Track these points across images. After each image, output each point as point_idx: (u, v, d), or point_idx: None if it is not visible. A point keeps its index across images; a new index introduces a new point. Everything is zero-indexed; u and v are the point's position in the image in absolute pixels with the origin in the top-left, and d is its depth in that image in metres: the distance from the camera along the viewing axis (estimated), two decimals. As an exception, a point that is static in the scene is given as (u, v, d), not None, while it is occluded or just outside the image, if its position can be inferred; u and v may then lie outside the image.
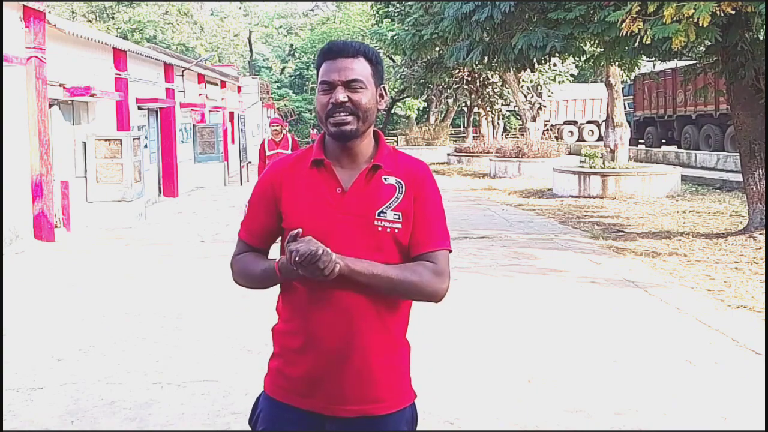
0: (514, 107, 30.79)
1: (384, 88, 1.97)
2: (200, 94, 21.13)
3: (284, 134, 10.27)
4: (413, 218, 1.90)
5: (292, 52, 58.73)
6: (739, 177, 11.93)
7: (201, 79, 21.42)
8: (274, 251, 2.01)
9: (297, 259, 1.69)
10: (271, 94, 43.38)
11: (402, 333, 1.97)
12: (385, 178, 1.90)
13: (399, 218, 1.87)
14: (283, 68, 58.58)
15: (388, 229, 1.86)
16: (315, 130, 48.01)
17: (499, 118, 33.21)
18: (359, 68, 1.88)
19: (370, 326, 1.85)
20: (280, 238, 1.98)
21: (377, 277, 1.81)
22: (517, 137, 34.74)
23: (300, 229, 1.75)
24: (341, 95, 1.85)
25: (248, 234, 2.02)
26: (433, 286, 1.87)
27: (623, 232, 10.51)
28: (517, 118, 42.13)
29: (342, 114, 1.85)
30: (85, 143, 12.21)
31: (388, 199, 1.88)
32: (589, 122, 39.48)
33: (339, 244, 1.83)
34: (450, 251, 1.95)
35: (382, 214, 1.86)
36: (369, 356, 1.86)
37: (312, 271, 1.71)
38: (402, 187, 1.90)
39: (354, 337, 1.84)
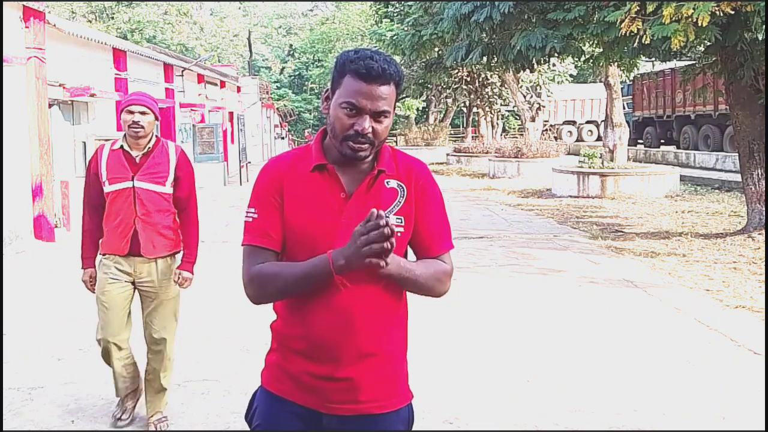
0: (513, 107, 30.82)
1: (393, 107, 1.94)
2: (200, 94, 21.15)
3: (156, 137, 3.95)
4: (420, 221, 1.92)
5: (291, 52, 58.75)
6: (737, 177, 11.94)
7: (200, 79, 21.44)
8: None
9: (386, 231, 1.63)
10: (271, 94, 43.40)
11: (400, 335, 1.98)
12: (387, 182, 1.90)
13: (401, 222, 1.88)
14: (283, 68, 58.58)
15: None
16: (310, 129, 48.07)
17: (498, 118, 33.26)
18: (389, 97, 1.82)
19: (369, 327, 1.86)
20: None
21: (405, 280, 1.84)
22: (516, 137, 34.73)
23: (382, 212, 1.67)
24: (368, 125, 1.80)
25: (264, 238, 1.87)
26: (443, 285, 1.95)
27: (622, 232, 10.52)
28: (516, 118, 42.16)
29: (361, 143, 1.81)
30: (85, 143, 12.22)
31: (390, 203, 1.88)
32: (588, 122, 39.48)
33: None
34: (453, 248, 2.00)
35: None
36: (367, 356, 1.87)
37: (372, 252, 1.66)
38: (403, 191, 1.90)
39: (352, 337, 1.84)
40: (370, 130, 1.80)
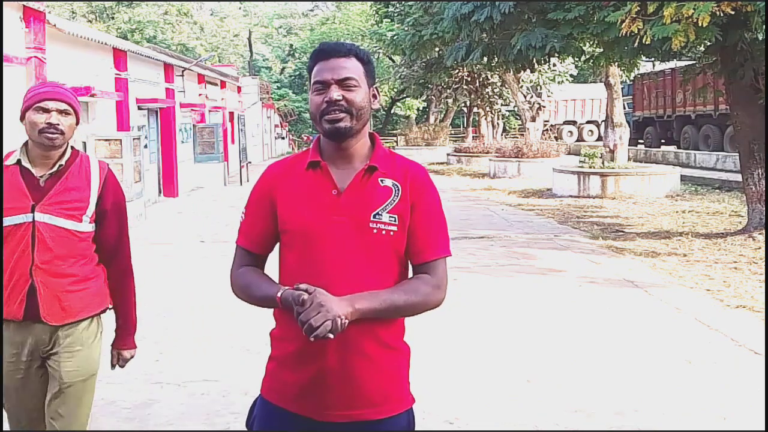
0: (514, 107, 30.81)
1: (376, 88, 1.97)
2: (200, 94, 21.15)
3: (73, 149, 2.72)
4: (413, 224, 1.89)
5: (291, 53, 58.69)
6: (738, 177, 11.94)
7: (201, 79, 21.43)
8: (273, 256, 2.02)
9: (310, 334, 1.69)
10: (271, 94, 43.38)
11: (398, 338, 1.96)
12: (381, 180, 1.89)
13: (395, 221, 1.87)
14: (283, 68, 58.54)
15: (384, 232, 1.86)
16: (310, 130, 48.08)
17: (498, 118, 33.22)
18: (352, 67, 1.89)
19: (365, 332, 1.83)
20: (279, 243, 1.97)
21: (384, 311, 1.82)
22: (517, 137, 34.73)
23: (306, 294, 1.71)
24: (335, 93, 1.85)
25: (247, 240, 1.99)
26: (433, 301, 1.91)
27: (622, 232, 10.51)
28: (516, 118, 42.12)
29: (336, 112, 1.85)
30: (85, 143, 12.21)
31: (384, 201, 1.87)
32: (588, 122, 39.48)
33: (333, 246, 1.84)
34: (449, 256, 1.96)
35: (377, 216, 1.86)
36: (363, 362, 1.85)
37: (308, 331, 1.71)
38: (398, 190, 1.89)
39: (348, 343, 1.82)
40: (341, 97, 1.85)
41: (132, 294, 2.86)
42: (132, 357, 2.90)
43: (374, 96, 1.95)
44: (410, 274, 1.96)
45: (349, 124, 1.86)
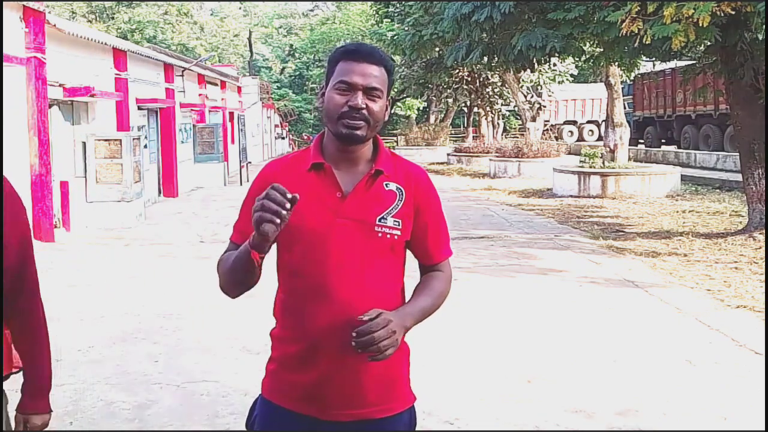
0: (514, 107, 30.79)
1: (390, 99, 1.97)
2: (200, 95, 21.14)
3: None
4: (421, 229, 1.93)
5: (292, 53, 58.71)
6: (738, 177, 11.93)
7: (201, 79, 21.42)
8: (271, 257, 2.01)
9: (377, 355, 1.72)
10: (271, 94, 43.37)
11: None
12: (386, 184, 1.89)
13: (399, 225, 1.87)
14: (283, 68, 58.55)
15: (388, 236, 1.86)
16: (310, 130, 48.10)
17: (498, 118, 33.22)
18: (380, 76, 1.86)
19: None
20: (277, 244, 1.94)
21: (421, 320, 1.91)
22: (517, 137, 34.73)
23: (375, 311, 1.74)
24: (361, 101, 1.83)
25: (242, 238, 1.90)
26: (446, 296, 2.00)
27: (623, 231, 10.51)
28: (516, 118, 42.13)
29: (357, 119, 1.83)
30: (84, 143, 12.22)
31: (389, 205, 1.87)
32: (588, 122, 39.47)
33: (337, 250, 1.83)
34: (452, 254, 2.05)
35: (382, 220, 1.86)
36: (365, 361, 1.83)
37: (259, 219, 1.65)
38: (402, 194, 1.89)
39: (349, 344, 1.80)
40: (364, 105, 1.83)
41: (45, 340, 2.22)
42: (45, 425, 2.17)
43: (387, 107, 1.94)
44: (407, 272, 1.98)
45: (365, 132, 1.85)
